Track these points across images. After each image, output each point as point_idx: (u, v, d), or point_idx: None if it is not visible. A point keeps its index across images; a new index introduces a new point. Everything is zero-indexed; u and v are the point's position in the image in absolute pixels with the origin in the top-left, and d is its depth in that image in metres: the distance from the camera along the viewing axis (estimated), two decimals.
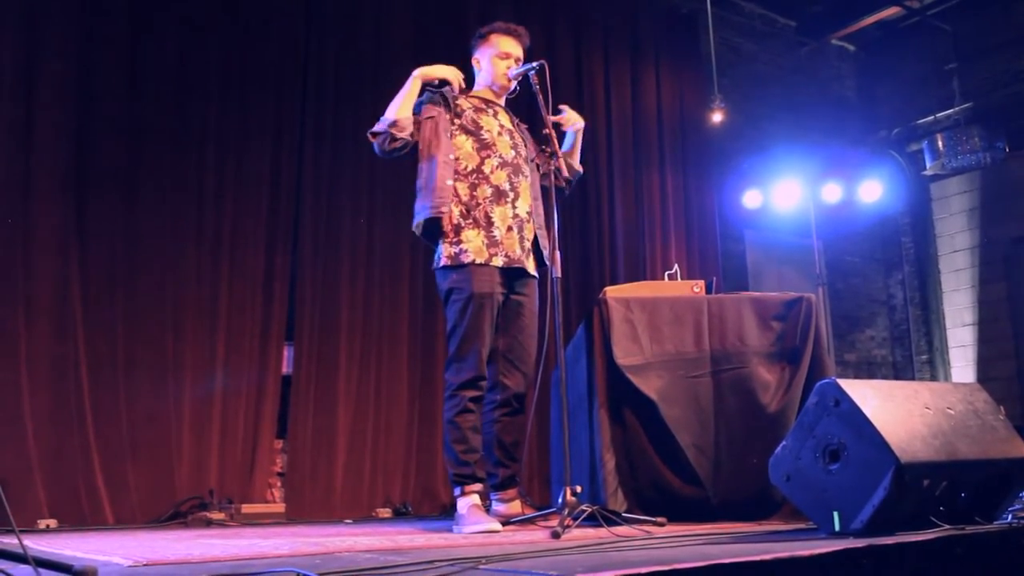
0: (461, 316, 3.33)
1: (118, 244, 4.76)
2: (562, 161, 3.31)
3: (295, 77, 5.46)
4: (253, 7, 5.34)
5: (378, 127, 3.43)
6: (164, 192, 4.92)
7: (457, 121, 3.47)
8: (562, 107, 3.63)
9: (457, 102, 3.52)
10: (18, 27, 4.60)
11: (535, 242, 3.54)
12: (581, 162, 3.78)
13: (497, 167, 3.44)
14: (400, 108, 3.41)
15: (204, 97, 5.12)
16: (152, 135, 4.93)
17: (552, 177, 3.36)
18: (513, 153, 3.50)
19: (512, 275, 3.44)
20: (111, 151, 4.80)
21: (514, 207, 3.44)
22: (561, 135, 3.67)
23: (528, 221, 3.50)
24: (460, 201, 3.38)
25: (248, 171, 5.20)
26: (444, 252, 3.38)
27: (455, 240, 3.36)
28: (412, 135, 3.43)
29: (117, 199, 4.79)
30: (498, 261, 3.37)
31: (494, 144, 3.46)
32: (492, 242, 3.37)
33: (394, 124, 3.39)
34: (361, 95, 5.58)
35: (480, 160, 3.43)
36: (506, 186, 3.43)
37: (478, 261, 3.33)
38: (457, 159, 3.42)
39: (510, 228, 3.41)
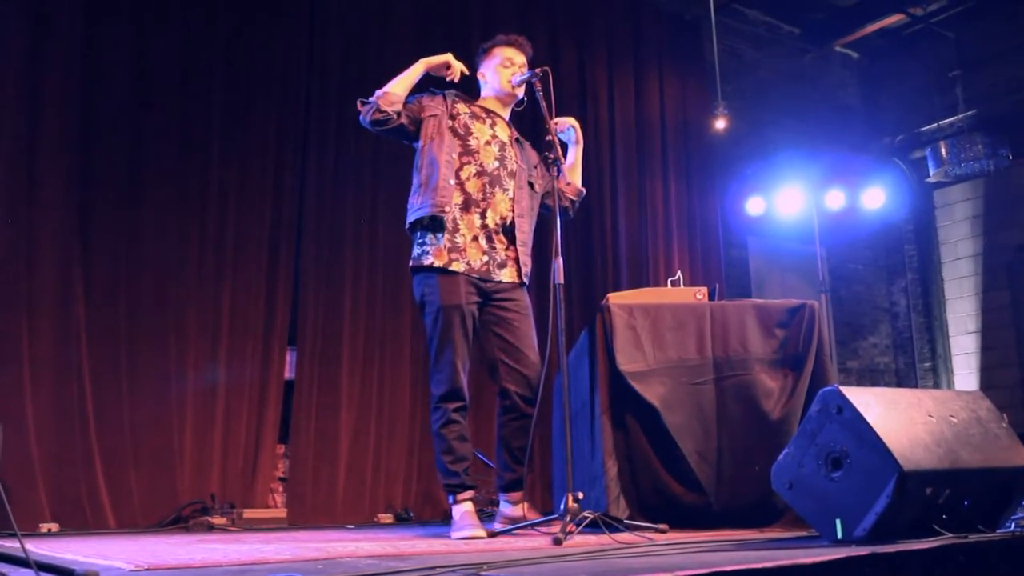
0: (433, 328, 3.37)
1: (121, 247, 4.76)
2: (565, 169, 3.31)
3: (299, 81, 5.47)
4: (257, 10, 5.35)
5: (371, 99, 3.45)
6: (167, 195, 4.92)
7: (450, 123, 3.49)
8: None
9: (456, 106, 3.54)
10: (22, 30, 4.62)
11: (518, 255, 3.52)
12: (584, 184, 3.79)
13: (474, 175, 3.44)
14: (396, 84, 3.46)
15: (208, 100, 5.13)
16: (155, 137, 4.94)
17: (555, 197, 3.32)
18: (496, 164, 3.49)
19: (484, 282, 3.43)
20: (115, 153, 4.81)
21: (483, 217, 3.43)
22: (563, 148, 3.66)
23: (498, 232, 3.46)
24: None
25: (251, 174, 5.21)
26: (413, 252, 3.44)
27: (421, 241, 3.41)
28: (398, 114, 3.43)
29: (120, 202, 4.80)
30: (458, 267, 3.36)
31: (478, 152, 3.47)
32: (453, 247, 3.37)
33: (384, 96, 3.42)
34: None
35: (460, 165, 3.44)
36: (478, 196, 3.43)
37: (436, 264, 3.35)
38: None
39: (475, 238, 3.41)
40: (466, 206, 3.41)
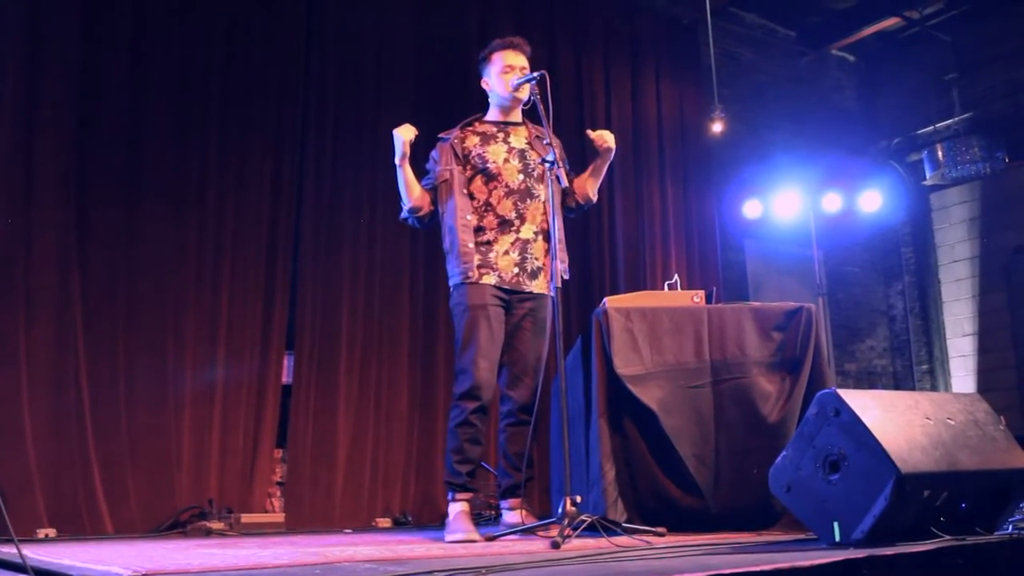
0: (458, 329, 3.48)
1: (119, 249, 4.74)
2: (562, 171, 3.33)
3: (297, 83, 5.46)
4: (255, 11, 5.35)
5: (404, 215, 3.63)
6: (165, 197, 4.90)
7: (464, 166, 3.56)
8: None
9: (465, 143, 3.57)
10: (21, 30, 4.60)
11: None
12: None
13: (503, 196, 3.52)
14: (407, 194, 3.57)
15: (206, 102, 5.12)
16: (153, 140, 4.92)
17: (550, 193, 3.37)
18: (521, 178, 3.54)
19: (512, 293, 3.50)
20: (112, 156, 4.79)
21: (518, 233, 3.52)
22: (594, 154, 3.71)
23: (534, 241, 3.54)
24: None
25: (249, 175, 5.20)
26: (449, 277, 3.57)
27: (454, 264, 3.52)
28: (432, 204, 3.60)
29: (118, 204, 4.77)
30: (489, 279, 3.46)
31: (499, 174, 3.53)
32: (485, 263, 3.47)
33: (411, 209, 3.59)
34: (362, 102, 5.59)
35: (488, 192, 3.53)
36: (512, 215, 3.51)
37: (470, 280, 3.45)
38: (473, 199, 3.53)
39: (507, 252, 3.49)
40: (502, 227, 3.51)
